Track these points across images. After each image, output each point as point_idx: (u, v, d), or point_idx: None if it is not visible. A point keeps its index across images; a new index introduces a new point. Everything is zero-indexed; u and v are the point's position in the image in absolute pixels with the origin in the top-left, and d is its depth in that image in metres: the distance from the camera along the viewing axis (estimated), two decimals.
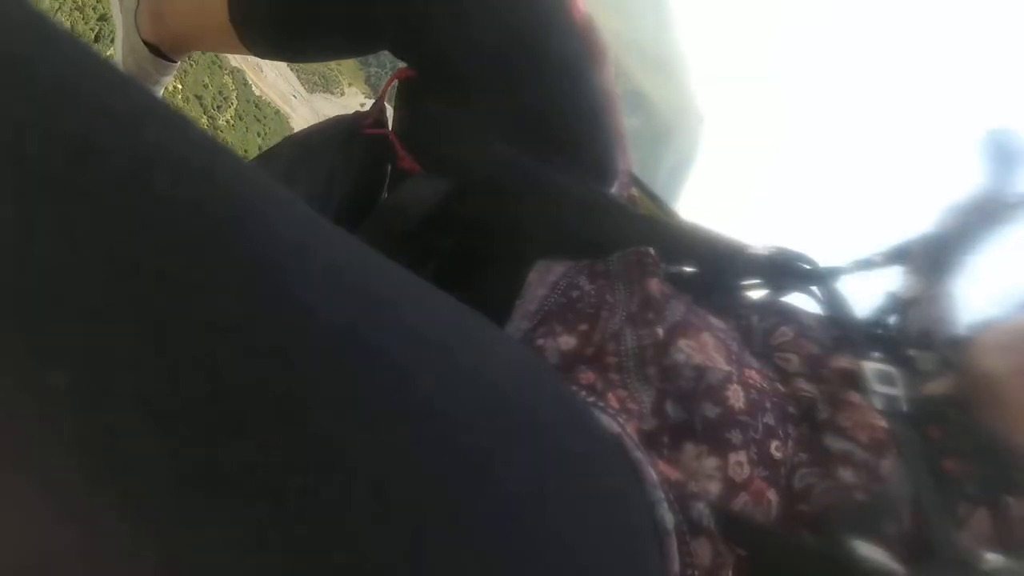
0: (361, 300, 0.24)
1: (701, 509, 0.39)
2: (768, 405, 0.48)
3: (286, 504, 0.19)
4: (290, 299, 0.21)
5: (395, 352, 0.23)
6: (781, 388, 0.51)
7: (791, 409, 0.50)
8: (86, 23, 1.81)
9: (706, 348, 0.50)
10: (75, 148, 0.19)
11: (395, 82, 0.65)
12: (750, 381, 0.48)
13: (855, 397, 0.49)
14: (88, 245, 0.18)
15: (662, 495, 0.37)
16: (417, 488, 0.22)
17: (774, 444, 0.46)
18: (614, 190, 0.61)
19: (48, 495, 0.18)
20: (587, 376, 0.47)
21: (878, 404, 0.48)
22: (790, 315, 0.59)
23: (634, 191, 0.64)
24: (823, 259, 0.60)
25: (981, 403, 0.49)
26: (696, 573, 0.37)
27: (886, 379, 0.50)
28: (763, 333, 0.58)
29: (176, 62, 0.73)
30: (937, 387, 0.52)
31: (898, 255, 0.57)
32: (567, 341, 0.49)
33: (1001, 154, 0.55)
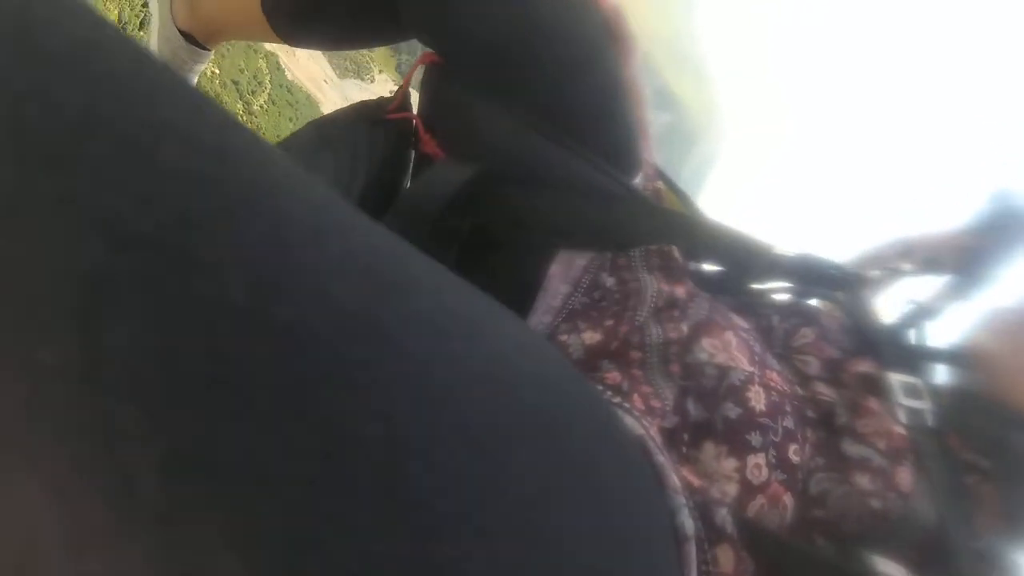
0: (376, 285, 0.23)
1: (724, 516, 0.38)
2: (788, 408, 0.47)
3: (286, 493, 0.18)
4: (301, 280, 0.20)
5: (410, 340, 0.22)
6: (800, 391, 0.51)
7: (809, 413, 0.49)
8: (132, 9, 1.82)
9: (729, 348, 0.49)
10: (77, 118, 0.18)
11: (420, 67, 0.65)
12: (771, 383, 0.48)
13: (874, 403, 0.49)
14: (87, 217, 0.18)
15: (683, 501, 0.37)
16: (431, 484, 0.21)
17: (792, 448, 0.46)
18: (638, 182, 0.60)
19: (35, 476, 0.17)
20: (613, 376, 0.47)
21: (904, 418, 0.48)
22: (811, 317, 0.58)
23: (659, 184, 0.63)
24: (848, 265, 0.59)
25: (991, 386, 0.49)
26: None
27: (912, 392, 0.49)
28: (784, 334, 0.58)
29: (210, 50, 0.74)
30: (951, 391, 0.51)
31: (930, 264, 0.57)
32: (592, 336, 0.49)
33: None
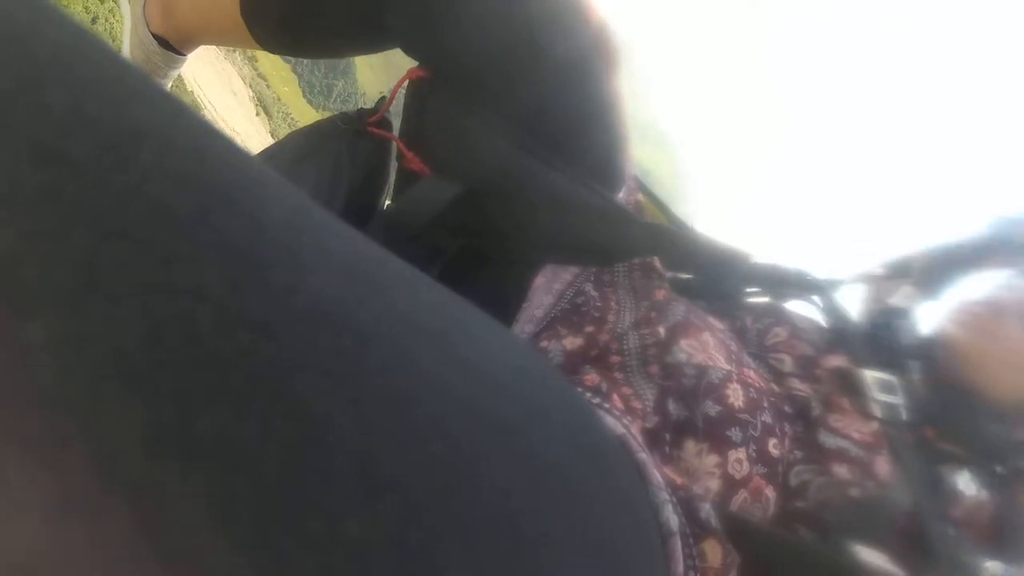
0: (351, 281, 0.23)
1: (708, 511, 0.40)
2: (766, 404, 0.49)
3: (262, 474, 0.19)
4: (277, 272, 0.21)
5: (385, 334, 0.23)
6: (776, 388, 0.53)
7: (786, 408, 0.52)
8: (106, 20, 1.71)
9: (707, 347, 0.51)
10: (64, 119, 0.19)
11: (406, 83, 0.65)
12: (749, 380, 0.50)
13: (848, 396, 0.51)
14: (73, 210, 0.19)
15: (667, 497, 0.38)
16: (406, 473, 0.21)
17: (772, 442, 0.48)
18: (621, 195, 0.62)
19: (18, 449, 0.18)
20: (591, 378, 0.48)
21: (879, 412, 0.50)
22: (783, 317, 0.61)
23: (640, 196, 0.66)
24: (820, 269, 0.62)
25: (957, 371, 0.52)
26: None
27: (887, 388, 0.52)
28: (757, 334, 0.60)
29: (185, 55, 0.72)
30: (923, 384, 0.54)
31: (899, 269, 0.60)
32: (572, 341, 0.51)
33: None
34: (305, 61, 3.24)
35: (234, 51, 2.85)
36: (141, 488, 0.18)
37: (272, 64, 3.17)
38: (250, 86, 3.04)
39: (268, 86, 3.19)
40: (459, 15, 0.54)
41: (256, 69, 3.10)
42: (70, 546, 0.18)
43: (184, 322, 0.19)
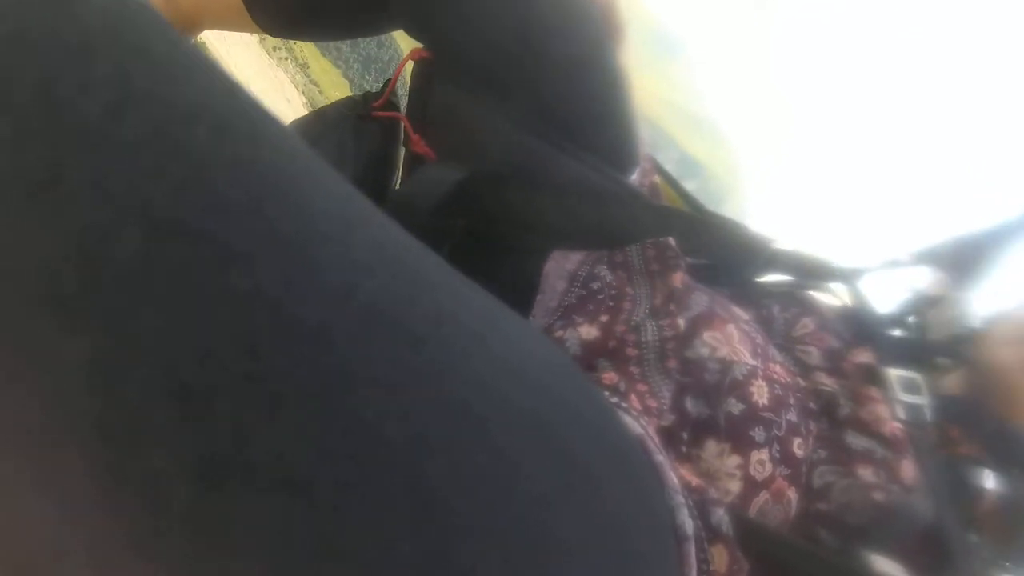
0: (403, 280, 0.22)
1: (721, 515, 0.38)
2: (791, 401, 0.47)
3: (316, 497, 0.18)
4: (332, 276, 0.20)
5: (435, 337, 0.22)
6: (802, 382, 0.51)
7: (811, 404, 0.49)
8: None
9: (732, 341, 0.49)
10: (111, 97, 0.17)
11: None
12: (774, 376, 0.48)
13: (875, 393, 0.49)
14: (122, 203, 0.17)
15: (683, 500, 0.37)
16: (454, 489, 0.20)
17: (796, 442, 0.45)
18: (635, 177, 0.60)
19: (50, 488, 0.16)
20: (609, 376, 0.47)
21: (903, 413, 0.48)
22: (811, 307, 0.58)
23: (655, 178, 0.63)
24: (844, 258, 0.60)
25: (995, 398, 0.49)
26: None
27: (911, 387, 0.49)
28: (784, 324, 0.57)
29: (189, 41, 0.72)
30: (954, 384, 0.52)
31: (926, 256, 0.57)
32: (588, 331, 0.49)
33: None
34: (355, 65, 3.30)
35: (287, 59, 2.93)
36: (195, 522, 0.17)
37: (323, 69, 3.24)
38: (303, 92, 3.11)
39: (320, 92, 3.26)
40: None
41: (308, 75, 3.18)
42: None
43: (240, 333, 0.18)
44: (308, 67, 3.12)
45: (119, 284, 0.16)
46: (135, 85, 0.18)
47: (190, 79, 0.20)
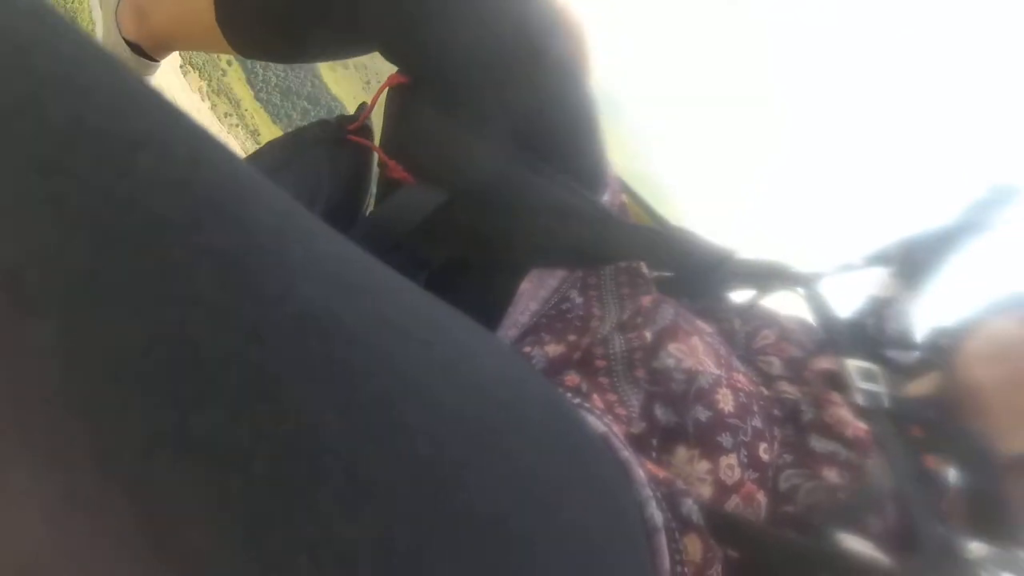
0: (339, 288, 0.24)
1: (690, 506, 0.39)
2: (755, 408, 0.49)
3: (253, 475, 0.19)
4: (266, 280, 0.21)
5: (373, 339, 0.23)
6: (765, 391, 0.52)
7: (776, 411, 0.51)
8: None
9: (696, 352, 0.50)
10: (65, 130, 0.20)
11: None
12: (738, 384, 0.49)
13: (836, 397, 0.51)
14: (76, 219, 0.19)
15: (650, 493, 0.38)
16: (394, 476, 0.22)
17: (762, 446, 0.47)
18: (606, 198, 0.61)
19: (24, 448, 0.18)
20: (571, 379, 0.48)
21: (860, 400, 0.50)
22: (771, 319, 0.61)
23: (624, 198, 0.64)
24: (806, 264, 0.62)
25: (967, 411, 0.50)
26: (686, 570, 0.38)
27: (868, 376, 0.51)
28: (746, 336, 0.59)
29: (159, 61, 0.71)
30: (920, 388, 0.53)
31: (878, 258, 0.59)
32: (555, 348, 0.49)
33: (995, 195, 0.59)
34: None
35: (237, 126, 2.94)
36: (140, 485, 0.18)
37: (273, 135, 3.26)
38: None
39: None
40: (443, 16, 0.53)
41: (258, 143, 3.18)
42: (71, 544, 0.19)
43: (178, 328, 0.19)
44: (259, 134, 3.13)
45: (72, 282, 0.19)
46: (86, 120, 0.20)
47: (135, 111, 0.22)
